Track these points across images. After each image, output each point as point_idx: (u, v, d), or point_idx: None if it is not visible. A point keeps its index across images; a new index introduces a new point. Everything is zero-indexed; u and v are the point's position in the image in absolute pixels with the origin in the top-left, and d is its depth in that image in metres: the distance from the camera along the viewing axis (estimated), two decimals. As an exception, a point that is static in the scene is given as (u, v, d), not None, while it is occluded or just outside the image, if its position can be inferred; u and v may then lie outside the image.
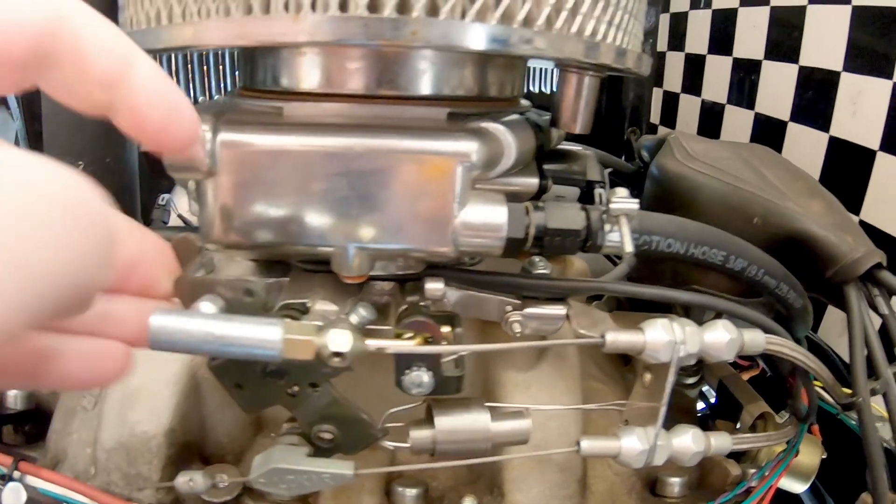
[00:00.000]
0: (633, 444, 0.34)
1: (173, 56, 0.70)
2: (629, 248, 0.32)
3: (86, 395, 0.38)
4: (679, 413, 0.49)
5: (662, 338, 0.32)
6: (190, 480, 0.33)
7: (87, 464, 0.36)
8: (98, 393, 0.38)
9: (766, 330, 0.37)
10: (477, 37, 0.27)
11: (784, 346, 0.36)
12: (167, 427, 0.36)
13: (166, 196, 0.69)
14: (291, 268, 0.37)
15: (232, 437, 0.39)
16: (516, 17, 0.28)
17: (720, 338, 0.34)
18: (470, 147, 0.30)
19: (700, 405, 0.58)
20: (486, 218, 0.31)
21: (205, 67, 0.70)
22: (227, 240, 0.32)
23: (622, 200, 0.32)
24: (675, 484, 0.42)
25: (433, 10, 0.27)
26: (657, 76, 0.75)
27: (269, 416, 0.41)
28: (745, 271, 0.36)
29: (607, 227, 0.33)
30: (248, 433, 0.40)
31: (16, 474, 0.35)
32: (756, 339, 0.35)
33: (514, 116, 0.35)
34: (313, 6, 0.27)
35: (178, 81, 0.64)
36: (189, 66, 0.64)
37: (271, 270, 0.38)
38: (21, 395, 0.41)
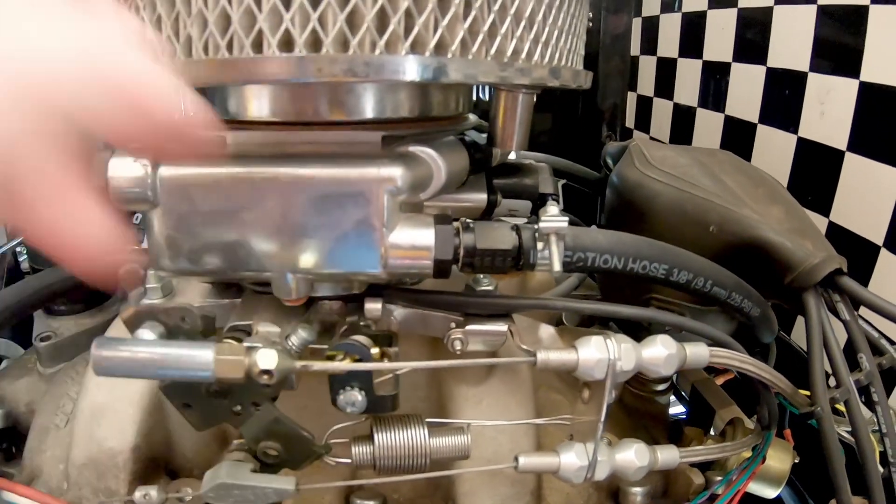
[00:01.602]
0: (571, 459, 0.34)
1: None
2: (557, 266, 0.32)
3: (58, 414, 0.40)
4: (649, 420, 0.49)
5: (594, 356, 0.32)
6: (145, 495, 0.35)
7: (60, 479, 0.39)
8: (70, 411, 0.40)
9: (715, 341, 0.37)
10: (383, 69, 0.28)
11: (732, 357, 0.36)
12: (132, 443, 0.38)
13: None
14: (244, 290, 0.39)
15: (197, 451, 0.41)
16: (428, 44, 0.29)
17: (658, 353, 0.34)
18: (394, 172, 0.31)
19: (680, 409, 0.58)
20: (414, 240, 0.32)
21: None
22: (175, 267, 0.33)
23: (551, 219, 0.32)
24: (637, 494, 0.42)
25: (344, 45, 0.28)
26: (631, 80, 0.74)
27: (232, 431, 0.42)
28: (691, 284, 0.36)
29: (540, 245, 0.33)
30: (213, 447, 0.42)
31: (-7, 490, 0.37)
32: (699, 353, 0.35)
33: (449, 138, 0.35)
34: (230, 48, 0.28)
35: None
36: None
37: (225, 292, 0.39)
38: (-1, 415, 0.44)
